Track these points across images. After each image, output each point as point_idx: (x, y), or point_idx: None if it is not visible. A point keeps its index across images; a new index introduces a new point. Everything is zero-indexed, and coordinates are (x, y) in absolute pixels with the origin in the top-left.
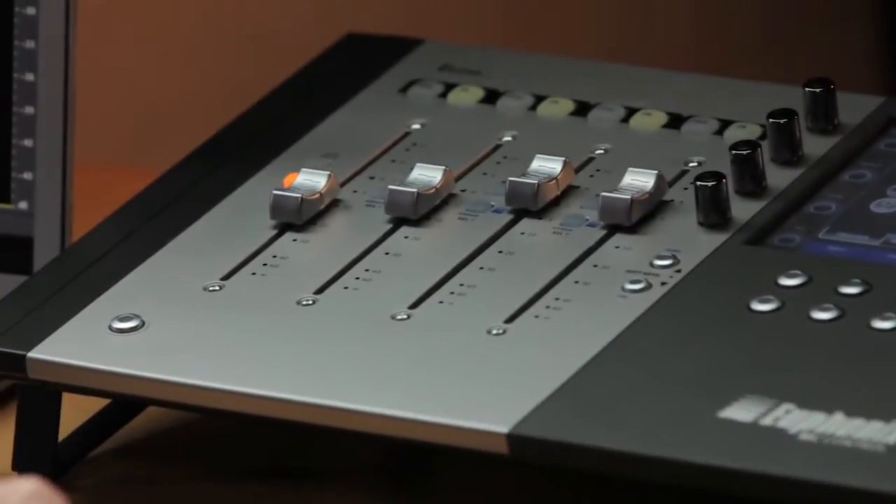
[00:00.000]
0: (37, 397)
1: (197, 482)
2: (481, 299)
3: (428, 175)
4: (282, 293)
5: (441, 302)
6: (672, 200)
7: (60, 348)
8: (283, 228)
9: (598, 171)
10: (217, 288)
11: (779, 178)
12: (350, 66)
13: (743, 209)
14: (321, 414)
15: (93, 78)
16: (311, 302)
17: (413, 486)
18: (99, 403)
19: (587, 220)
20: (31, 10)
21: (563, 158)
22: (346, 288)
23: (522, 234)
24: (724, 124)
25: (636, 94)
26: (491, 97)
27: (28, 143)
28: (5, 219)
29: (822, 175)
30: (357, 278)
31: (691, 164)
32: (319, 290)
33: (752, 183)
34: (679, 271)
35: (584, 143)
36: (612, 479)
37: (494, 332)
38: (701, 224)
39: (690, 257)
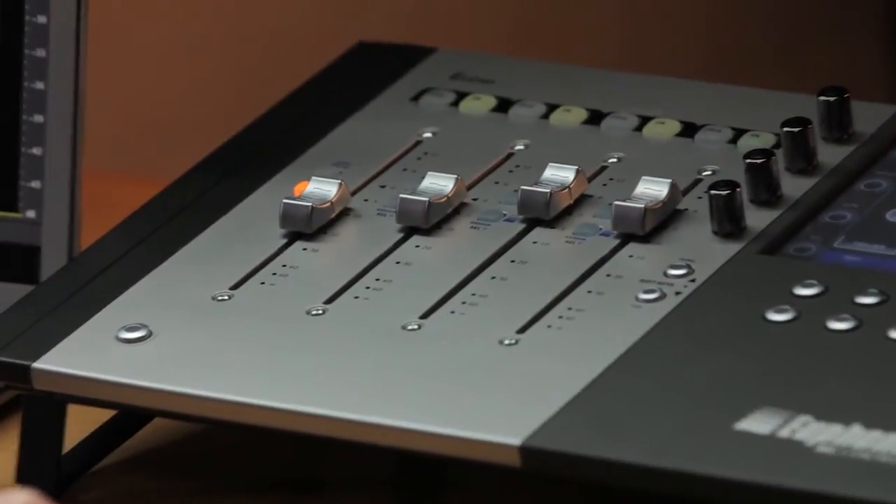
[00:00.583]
0: (42, 408)
1: (205, 496)
2: (493, 309)
3: (439, 184)
4: (291, 303)
5: (453, 312)
6: (686, 209)
7: (66, 359)
8: (293, 237)
9: (611, 179)
10: (226, 297)
11: (793, 187)
12: (361, 74)
13: (758, 218)
14: (331, 426)
15: (102, 86)
16: (321, 312)
17: (425, 499)
18: (104, 415)
19: (600, 229)
20: (41, 19)
21: (576, 167)
22: (356, 298)
23: (535, 243)
24: (738, 133)
25: (649, 102)
26: (503, 106)
27: (37, 151)
28: (13, 227)
29: (837, 184)
30: (368, 288)
31: (705, 173)
32: (330, 300)
33: (766, 192)
34: (693, 281)
35: (597, 152)
36: (625, 492)
37: (506, 342)
38: (715, 233)
39: (705, 267)
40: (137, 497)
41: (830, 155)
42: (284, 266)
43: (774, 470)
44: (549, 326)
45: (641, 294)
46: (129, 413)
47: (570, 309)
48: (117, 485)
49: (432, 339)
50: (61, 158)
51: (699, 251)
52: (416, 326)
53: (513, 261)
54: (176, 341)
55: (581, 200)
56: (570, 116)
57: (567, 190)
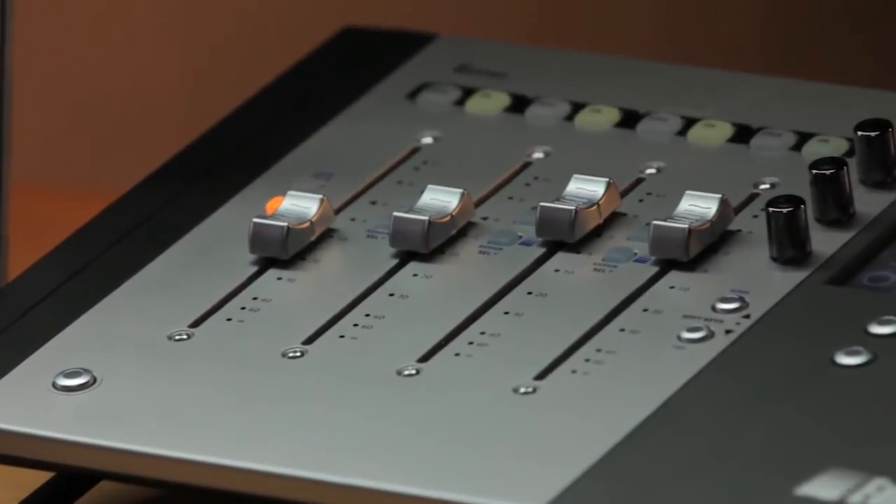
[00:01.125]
0: None
1: None
2: (506, 351)
3: (442, 200)
4: (264, 343)
5: (458, 354)
6: (739, 230)
7: None
8: (265, 265)
9: (648, 194)
10: (184, 337)
11: (869, 203)
12: (347, 65)
13: (825, 241)
14: (311, 491)
15: (32, 82)
16: (299, 354)
17: None
18: (41, 478)
19: (635, 254)
20: None
21: (607, 179)
22: (341, 337)
23: (557, 271)
24: (803, 138)
25: (695, 100)
26: (518, 104)
27: None
28: None
29: None
30: (355, 325)
31: (762, 187)
32: (309, 340)
33: (836, 209)
34: (747, 317)
35: (632, 161)
36: None
37: (522, 390)
38: (774, 259)
39: (761, 300)
40: None
41: None
42: (255, 299)
43: None
44: (573, 372)
45: (685, 333)
46: (70, 475)
47: (598, 351)
48: None
49: (433, 386)
50: None
51: (754, 281)
52: (413, 371)
53: (530, 293)
54: (124, 389)
55: (612, 220)
56: (600, 118)
57: (595, 207)
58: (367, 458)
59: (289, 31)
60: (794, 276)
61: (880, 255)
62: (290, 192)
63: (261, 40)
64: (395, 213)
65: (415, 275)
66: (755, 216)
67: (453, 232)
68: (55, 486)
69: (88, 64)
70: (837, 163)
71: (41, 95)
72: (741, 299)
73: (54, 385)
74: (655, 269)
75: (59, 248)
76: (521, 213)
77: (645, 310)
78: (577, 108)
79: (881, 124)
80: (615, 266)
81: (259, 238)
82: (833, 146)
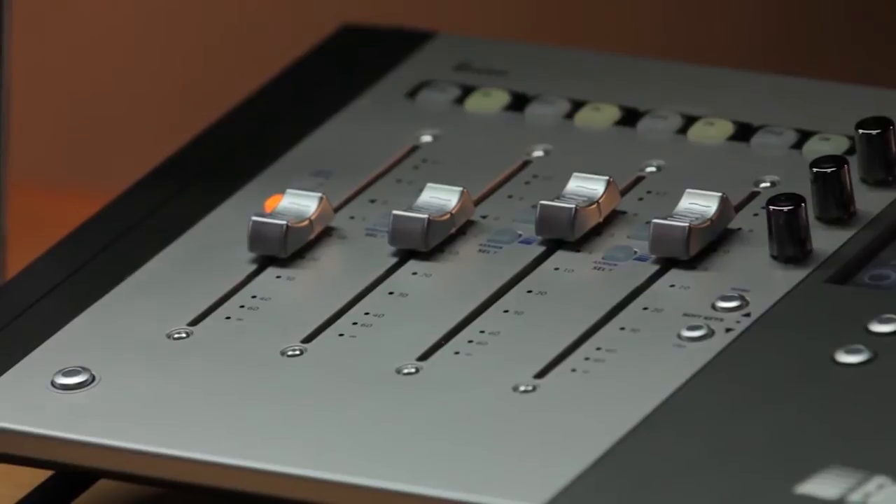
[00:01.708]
0: None
1: None
2: (506, 350)
3: (441, 198)
4: (263, 342)
5: (457, 353)
6: (739, 229)
7: None
8: (264, 263)
9: (648, 193)
10: (183, 335)
11: (870, 201)
12: (346, 64)
13: (826, 240)
14: (310, 489)
15: (32, 82)
16: (298, 352)
17: None
18: (39, 476)
19: (635, 252)
20: None
21: (607, 178)
22: (341, 335)
23: (557, 269)
24: (804, 136)
25: (695, 98)
26: (518, 103)
27: None
28: None
29: None
30: (355, 324)
31: (763, 185)
32: (308, 339)
33: (837, 208)
34: (748, 315)
35: (632, 159)
36: None
37: (522, 389)
38: (774, 258)
39: (762, 298)
40: None
41: None
42: (254, 297)
43: None
44: (573, 370)
45: (685, 331)
46: (68, 474)
47: (598, 349)
48: None
49: (433, 385)
50: None
51: (755, 279)
52: (413, 370)
53: (530, 291)
54: (123, 388)
55: (612, 218)
56: (600, 116)
57: (595, 205)
58: (367, 457)
59: (287, 29)
60: (795, 275)
61: (881, 254)
62: (289, 191)
63: (260, 39)
64: (395, 212)
65: (414, 273)
66: (755, 214)
67: (453, 230)
68: (53, 485)
69: (87, 63)
70: (838, 161)
71: (40, 94)
72: (741, 298)
73: (53, 383)
74: (655, 268)
75: (58, 246)
76: (521, 211)
77: (645, 308)
78: (577, 106)
79: (882, 122)
80: (615, 264)
81: (258, 236)
82: (834, 144)
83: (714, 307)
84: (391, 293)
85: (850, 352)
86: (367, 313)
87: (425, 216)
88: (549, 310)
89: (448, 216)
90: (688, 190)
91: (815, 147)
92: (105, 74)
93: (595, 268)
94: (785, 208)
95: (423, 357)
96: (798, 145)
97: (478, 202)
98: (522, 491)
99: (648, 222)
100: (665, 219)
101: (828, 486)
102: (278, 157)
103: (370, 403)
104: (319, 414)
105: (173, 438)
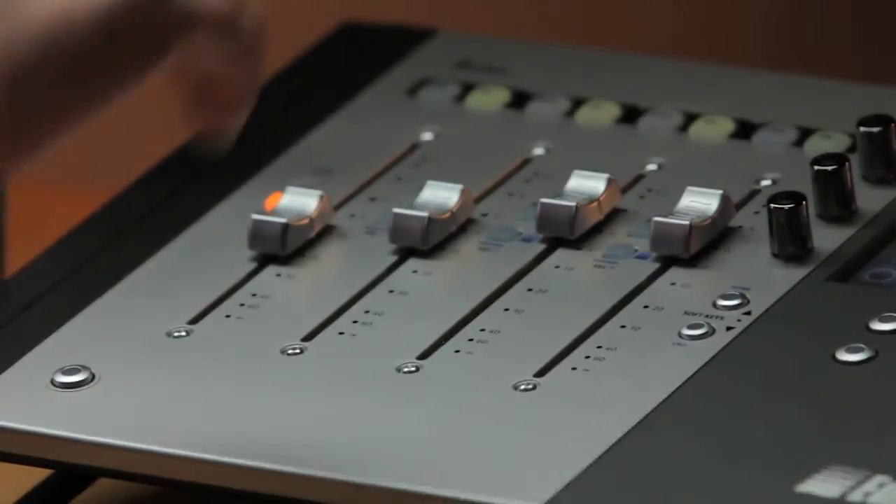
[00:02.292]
0: None
1: None
2: (507, 348)
3: (442, 196)
4: (263, 340)
5: (458, 351)
6: (740, 227)
7: None
8: (263, 261)
9: (649, 191)
10: (183, 334)
11: (871, 199)
12: (347, 61)
13: (827, 238)
14: (311, 488)
15: None
16: (298, 351)
17: None
18: (38, 475)
19: (636, 250)
20: None
21: (607, 176)
22: (341, 334)
23: (557, 267)
24: (805, 133)
25: (696, 96)
26: (519, 100)
27: None
28: None
29: None
30: (355, 322)
31: (764, 183)
32: (309, 337)
33: (838, 206)
34: (748, 314)
35: (633, 157)
36: None
37: (522, 387)
38: (775, 256)
39: (762, 296)
40: None
41: None
42: (254, 296)
43: None
44: (573, 369)
45: (686, 329)
46: (68, 472)
47: (599, 347)
48: None
49: (433, 383)
50: None
51: (756, 277)
52: (413, 368)
53: (530, 289)
54: (122, 386)
55: (613, 216)
56: (600, 114)
57: (596, 203)
58: (367, 456)
59: (288, 26)
60: (796, 273)
61: (882, 252)
62: (289, 189)
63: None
64: (395, 210)
65: (414, 271)
66: (756, 212)
67: (453, 228)
68: (53, 484)
69: None
70: (839, 159)
71: None
72: (742, 296)
73: (52, 382)
74: (656, 266)
75: (58, 244)
76: (522, 209)
77: (646, 306)
78: (578, 103)
79: (883, 120)
80: (616, 263)
81: (258, 234)
82: (835, 142)
83: (715, 305)
84: (391, 291)
85: (850, 350)
86: (367, 312)
87: (426, 214)
88: (549, 308)
89: (448, 214)
90: (688, 188)
91: (816, 145)
92: None
93: (596, 266)
94: (786, 206)
95: (424, 356)
96: (799, 143)
97: (478, 200)
98: (523, 489)
99: (649, 220)
100: (666, 217)
101: (828, 485)
102: (278, 155)
103: (370, 402)
104: (319, 412)
105: (173, 437)
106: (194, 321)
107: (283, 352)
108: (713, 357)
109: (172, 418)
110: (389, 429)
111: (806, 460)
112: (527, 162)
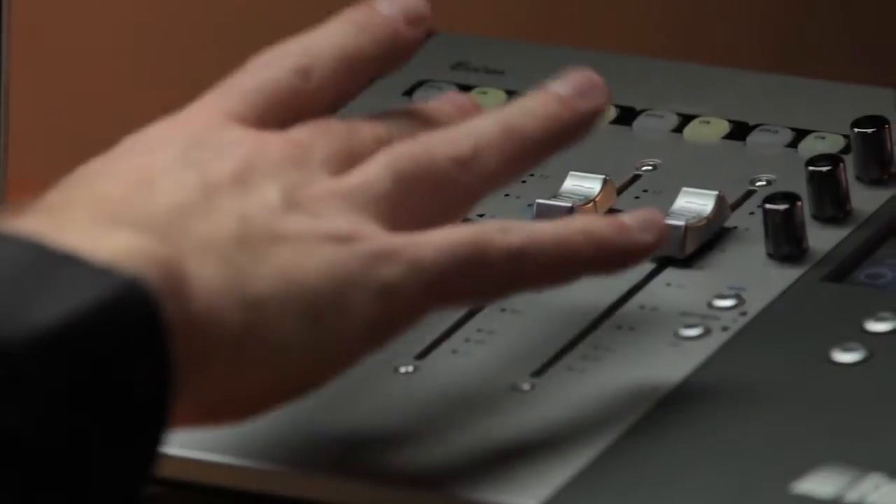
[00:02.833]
0: None
1: None
2: (503, 349)
3: None
4: None
5: (454, 351)
6: (735, 227)
7: None
8: None
9: (644, 191)
10: None
11: (865, 200)
12: None
13: (822, 238)
14: (309, 488)
15: (32, 82)
16: None
17: None
18: None
19: None
20: None
21: (603, 176)
22: None
23: None
24: (800, 135)
25: (691, 97)
26: None
27: None
28: None
29: None
30: None
31: (759, 184)
32: None
33: (832, 206)
34: (744, 314)
35: (629, 158)
36: None
37: (519, 387)
38: (770, 256)
39: (758, 297)
40: None
41: None
42: None
43: None
44: (570, 369)
45: (682, 329)
46: None
47: (595, 348)
48: None
49: (429, 384)
50: None
51: (751, 278)
52: (410, 369)
53: None
54: None
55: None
56: None
57: (592, 204)
58: (364, 456)
59: (285, 28)
60: (791, 274)
61: (877, 252)
62: None
63: (257, 37)
64: None
65: None
66: (752, 213)
67: None
68: None
69: (87, 63)
70: (834, 160)
71: (40, 94)
72: (738, 296)
73: None
74: (652, 266)
75: None
76: (518, 209)
77: (642, 307)
78: None
79: (878, 121)
80: None
81: None
82: (830, 143)
83: (710, 306)
84: None
85: (846, 350)
86: None
87: None
88: (546, 308)
89: None
90: (684, 189)
91: (811, 146)
92: (105, 74)
93: None
94: (781, 207)
95: (421, 356)
96: (794, 144)
97: None
98: (520, 490)
99: None
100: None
101: (824, 485)
102: None
103: (367, 402)
104: (317, 413)
105: (173, 437)
106: None
107: None
108: (709, 357)
109: None
110: (387, 429)
111: (802, 460)
112: None
